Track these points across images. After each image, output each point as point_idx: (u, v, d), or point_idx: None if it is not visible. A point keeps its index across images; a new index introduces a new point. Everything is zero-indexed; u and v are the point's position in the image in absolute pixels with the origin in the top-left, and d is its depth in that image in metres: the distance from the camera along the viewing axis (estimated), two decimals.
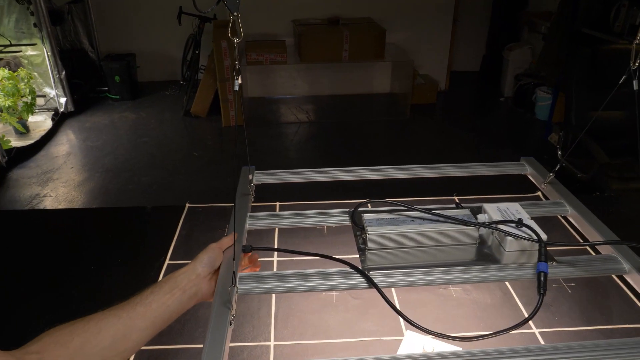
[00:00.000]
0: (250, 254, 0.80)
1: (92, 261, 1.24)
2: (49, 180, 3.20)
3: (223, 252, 0.74)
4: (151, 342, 0.94)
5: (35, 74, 4.06)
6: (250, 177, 0.95)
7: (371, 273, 0.72)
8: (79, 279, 1.18)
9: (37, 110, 3.98)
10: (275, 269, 1.16)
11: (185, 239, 1.28)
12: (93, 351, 0.58)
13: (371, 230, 0.76)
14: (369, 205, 0.92)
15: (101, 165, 3.41)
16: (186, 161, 3.52)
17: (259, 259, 0.84)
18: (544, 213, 0.89)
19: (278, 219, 0.90)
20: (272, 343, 0.96)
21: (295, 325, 1.01)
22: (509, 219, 0.78)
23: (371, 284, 0.70)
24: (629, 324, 1.00)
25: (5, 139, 3.49)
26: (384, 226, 0.77)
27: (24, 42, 4.00)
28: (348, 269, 0.73)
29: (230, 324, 0.64)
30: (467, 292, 1.10)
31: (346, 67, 4.66)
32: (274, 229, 1.30)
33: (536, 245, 0.73)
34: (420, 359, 0.69)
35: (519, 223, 0.76)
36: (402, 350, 0.93)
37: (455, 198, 1.42)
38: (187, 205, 1.43)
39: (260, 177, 0.99)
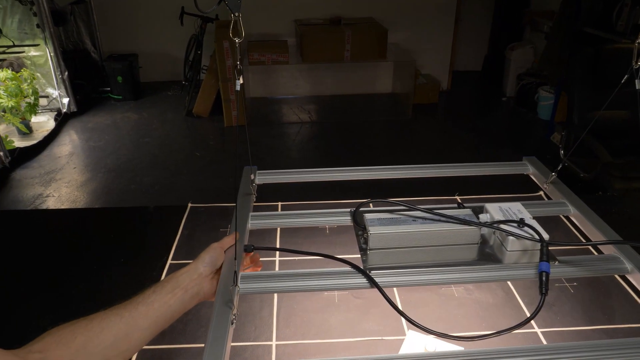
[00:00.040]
0: (252, 253, 0.80)
1: (94, 261, 1.25)
2: (51, 181, 3.21)
3: (225, 251, 0.75)
4: (153, 342, 0.94)
5: (38, 74, 4.08)
6: (252, 177, 0.96)
7: (373, 273, 0.72)
8: (80, 278, 1.19)
9: (40, 111, 3.99)
10: (277, 268, 1.16)
11: (188, 238, 1.29)
12: (95, 350, 0.58)
13: (373, 230, 0.76)
14: (370, 205, 0.92)
15: (104, 165, 3.42)
16: (188, 161, 3.53)
17: (261, 259, 0.84)
18: (546, 213, 0.89)
19: (280, 219, 0.90)
20: (274, 343, 0.97)
21: (297, 324, 1.01)
22: (510, 218, 0.78)
23: (373, 283, 0.70)
24: (631, 323, 1.00)
25: (8, 139, 3.50)
26: (386, 226, 0.77)
27: (27, 42, 4.01)
28: (350, 268, 0.73)
29: (232, 324, 0.64)
30: (469, 291, 1.10)
31: (348, 67, 4.66)
32: (276, 229, 1.30)
33: (538, 245, 0.73)
34: (422, 359, 0.69)
35: (521, 223, 0.76)
36: (403, 350, 0.93)
37: (457, 198, 1.42)
38: (190, 205, 1.43)
39: (262, 177, 0.99)
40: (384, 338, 0.97)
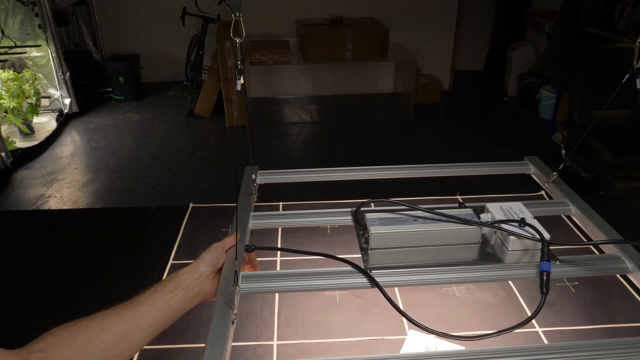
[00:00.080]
0: (252, 253, 0.80)
1: (95, 261, 1.25)
2: (53, 181, 3.22)
3: (226, 251, 0.75)
4: (155, 342, 0.94)
5: (40, 75, 4.09)
6: (254, 176, 0.96)
7: (373, 272, 0.72)
8: (81, 279, 1.19)
9: (41, 112, 4.00)
10: (278, 268, 1.16)
11: (189, 238, 1.29)
12: (96, 350, 0.58)
13: (373, 230, 0.76)
14: (371, 204, 0.92)
15: (105, 165, 3.43)
16: (190, 161, 3.53)
17: (262, 259, 0.84)
18: (548, 212, 0.89)
19: (281, 219, 0.90)
20: (275, 342, 0.97)
21: (298, 324, 1.01)
22: (512, 218, 0.78)
23: (373, 283, 0.70)
24: (632, 322, 1.00)
25: (10, 140, 3.51)
26: (387, 226, 0.77)
27: (29, 43, 4.02)
28: (351, 268, 0.73)
29: (233, 323, 0.64)
30: (470, 291, 1.10)
31: (349, 67, 4.66)
32: (277, 229, 1.30)
33: (539, 245, 0.73)
34: (423, 359, 0.69)
35: (522, 222, 0.76)
36: (405, 350, 0.93)
37: (459, 197, 1.42)
38: (191, 205, 1.43)
39: (263, 177, 0.99)
40: (385, 338, 0.97)
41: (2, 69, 3.71)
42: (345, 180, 1.00)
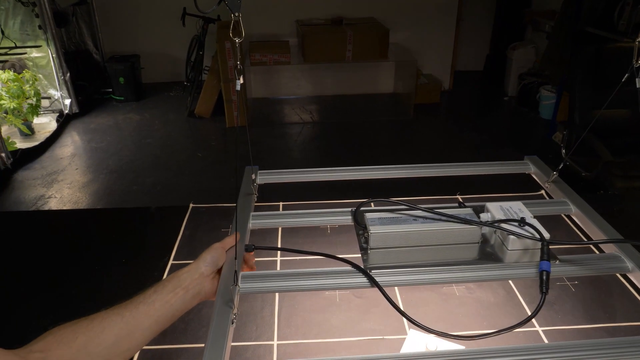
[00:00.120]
0: (252, 253, 0.80)
1: (96, 261, 1.25)
2: (54, 182, 3.22)
3: (226, 251, 0.75)
4: (155, 342, 0.94)
5: (40, 75, 4.09)
6: (254, 176, 0.96)
7: (373, 272, 0.72)
8: (82, 279, 1.19)
9: (42, 112, 4.00)
10: (278, 268, 1.16)
11: (189, 239, 1.29)
12: (96, 350, 0.58)
13: (373, 230, 0.76)
14: (371, 204, 0.92)
15: (106, 166, 3.43)
16: (190, 162, 3.53)
17: (263, 259, 0.84)
18: (548, 212, 0.89)
19: (281, 219, 0.90)
20: (275, 342, 0.97)
21: (298, 324, 1.01)
22: (511, 217, 0.78)
23: (373, 283, 0.70)
24: (632, 322, 1.00)
25: (10, 140, 3.51)
26: (386, 225, 0.77)
27: (29, 44, 4.02)
28: (351, 268, 0.73)
29: (232, 323, 0.64)
30: (470, 290, 1.10)
31: (350, 67, 4.66)
32: (277, 229, 1.30)
33: (539, 244, 0.73)
34: (423, 358, 0.69)
35: (522, 222, 0.76)
36: (405, 349, 0.93)
37: (458, 197, 1.42)
38: (191, 205, 1.43)
39: (263, 177, 0.99)
40: (385, 337, 0.97)
41: (2, 69, 3.72)
42: (345, 180, 1.00)
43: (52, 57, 4.04)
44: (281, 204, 1.41)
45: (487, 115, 4.55)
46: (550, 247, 0.72)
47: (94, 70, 4.70)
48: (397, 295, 1.08)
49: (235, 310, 0.65)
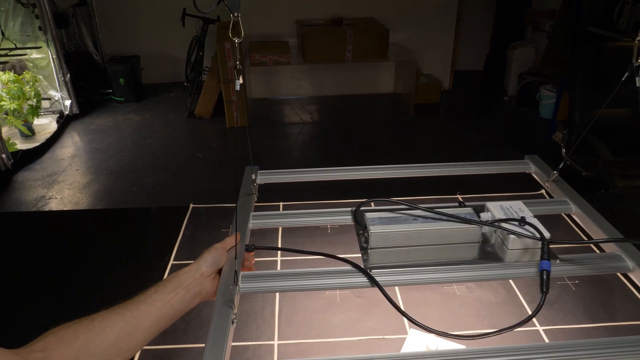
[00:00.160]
0: (253, 253, 0.80)
1: (96, 262, 1.25)
2: (54, 183, 3.22)
3: (227, 251, 0.75)
4: (155, 342, 0.94)
5: (41, 76, 4.09)
6: (254, 176, 0.96)
7: (374, 272, 0.72)
8: (82, 279, 1.19)
9: (42, 113, 4.00)
10: (278, 268, 1.16)
11: (190, 239, 1.29)
12: (97, 350, 0.58)
13: (373, 229, 0.76)
14: (371, 204, 0.92)
15: (106, 167, 3.43)
16: (190, 162, 3.53)
17: (263, 259, 0.84)
18: (548, 211, 0.89)
19: (281, 218, 0.90)
20: (276, 342, 0.97)
21: (299, 324, 1.01)
22: (512, 217, 0.78)
23: (374, 282, 0.70)
24: (633, 321, 1.00)
25: (11, 141, 3.51)
26: (386, 225, 0.77)
27: (29, 45, 4.03)
28: (351, 268, 0.73)
29: (233, 323, 0.64)
30: (470, 290, 1.10)
31: (350, 67, 4.66)
32: (277, 229, 1.30)
33: (539, 244, 0.73)
34: (424, 358, 0.69)
35: (522, 221, 0.76)
36: (405, 349, 0.93)
37: (459, 196, 1.42)
38: (191, 205, 1.43)
39: (264, 177, 0.99)
40: (385, 337, 0.97)
41: (2, 70, 3.72)
42: (345, 180, 1.00)
43: (52, 58, 4.04)
44: (281, 204, 1.41)
45: (487, 115, 4.55)
46: (550, 246, 0.72)
47: (94, 71, 4.70)
48: (398, 294, 1.08)
49: (235, 310, 0.65)
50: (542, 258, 0.71)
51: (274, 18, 4.57)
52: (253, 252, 0.80)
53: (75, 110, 4.27)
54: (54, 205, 2.96)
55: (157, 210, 1.47)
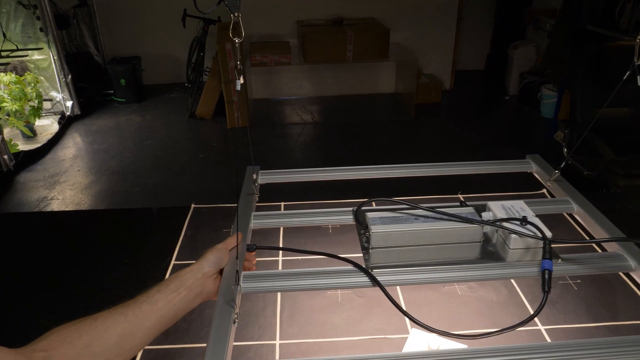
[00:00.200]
0: (254, 253, 0.80)
1: (98, 262, 1.25)
2: (56, 184, 3.23)
3: (229, 251, 0.75)
4: (157, 342, 0.95)
5: (42, 78, 4.10)
6: (255, 176, 0.96)
7: (375, 271, 0.72)
8: (84, 279, 1.19)
9: (43, 114, 4.01)
10: (280, 268, 1.17)
11: (191, 239, 1.29)
12: (99, 349, 0.58)
13: (375, 229, 0.76)
14: (372, 204, 0.92)
15: (107, 167, 3.44)
16: (191, 163, 3.54)
17: (264, 258, 0.84)
18: (550, 210, 0.89)
19: (282, 218, 0.90)
20: (277, 342, 0.97)
21: (300, 323, 1.01)
22: (513, 216, 0.78)
23: (375, 282, 0.70)
24: (635, 320, 1.00)
25: (12, 142, 3.52)
26: (388, 225, 0.77)
27: (31, 46, 4.03)
28: (352, 267, 0.73)
29: (234, 323, 0.64)
30: (472, 289, 1.10)
31: (350, 67, 4.66)
32: (279, 229, 1.30)
33: (541, 243, 0.73)
34: (425, 357, 0.69)
35: (524, 221, 0.76)
36: (407, 348, 0.93)
37: (460, 196, 1.42)
38: (193, 206, 1.44)
39: (265, 177, 0.99)
40: (387, 336, 0.97)
41: (4, 72, 3.72)
42: (346, 180, 1.00)
43: (54, 59, 4.05)
44: (282, 204, 1.41)
45: (489, 115, 4.55)
46: (552, 245, 0.72)
47: (95, 72, 4.71)
48: (399, 294, 1.08)
49: (237, 310, 0.65)
50: (543, 257, 0.71)
51: (275, 18, 4.57)
52: (254, 252, 0.80)
53: (77, 111, 4.28)
54: (55, 205, 2.97)
55: (159, 211, 1.47)
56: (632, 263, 0.74)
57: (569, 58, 3.59)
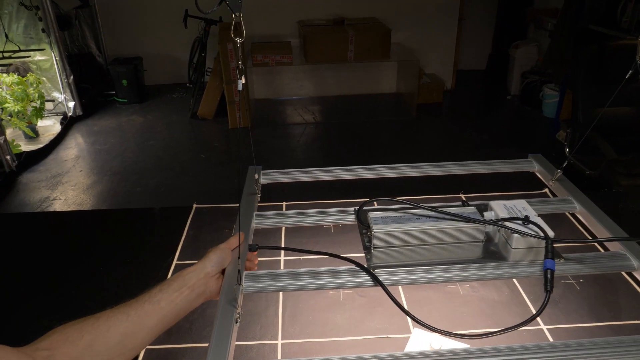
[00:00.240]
0: (256, 253, 0.80)
1: (100, 262, 1.26)
2: (58, 184, 3.24)
3: (232, 251, 0.75)
4: (160, 341, 0.95)
5: (44, 78, 4.11)
6: (257, 176, 0.96)
7: (377, 271, 0.72)
8: (86, 279, 1.19)
9: (46, 115, 4.02)
10: (282, 267, 1.17)
11: (193, 239, 1.29)
12: (102, 349, 0.58)
13: (377, 229, 0.76)
14: (374, 203, 0.92)
15: (109, 168, 3.44)
16: (193, 163, 3.54)
17: (266, 258, 0.84)
18: (552, 210, 0.89)
19: (284, 218, 0.90)
20: (279, 341, 0.97)
21: (302, 323, 1.01)
22: (515, 216, 0.77)
23: (377, 282, 0.70)
24: (637, 320, 0.99)
25: (15, 143, 3.53)
26: (390, 224, 0.77)
27: (33, 47, 4.04)
28: (354, 267, 0.73)
29: (236, 322, 0.64)
30: (474, 289, 1.09)
31: (352, 67, 4.66)
32: (281, 229, 1.30)
33: (543, 243, 0.73)
34: (427, 357, 0.69)
35: (526, 220, 0.76)
36: (409, 348, 0.93)
37: (462, 196, 1.42)
38: (195, 206, 1.44)
39: (267, 177, 0.99)
40: (389, 336, 0.97)
41: (6, 73, 3.74)
42: (347, 180, 1.00)
43: (56, 60, 4.06)
44: (284, 203, 1.41)
45: (490, 115, 4.54)
46: (554, 245, 0.72)
47: (97, 73, 4.72)
48: (401, 294, 1.08)
49: (239, 310, 0.65)
50: (546, 257, 0.71)
51: (276, 19, 4.57)
52: (256, 252, 0.80)
53: (79, 111, 4.29)
54: (58, 206, 2.97)
55: (161, 211, 1.48)
56: (634, 262, 0.74)
57: (571, 57, 3.58)
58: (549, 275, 0.69)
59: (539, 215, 0.78)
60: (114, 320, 0.60)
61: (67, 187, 3.20)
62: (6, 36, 3.96)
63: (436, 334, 0.84)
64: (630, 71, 0.82)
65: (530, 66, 4.49)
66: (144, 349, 0.94)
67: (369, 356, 0.61)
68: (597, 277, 1.11)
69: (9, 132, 3.77)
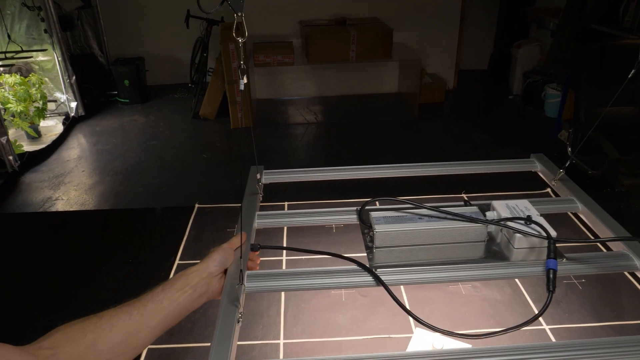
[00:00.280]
0: (258, 252, 0.80)
1: (102, 262, 1.26)
2: (60, 184, 3.24)
3: (234, 250, 0.75)
4: (162, 341, 0.95)
5: (46, 79, 4.12)
6: (259, 176, 0.96)
7: (379, 271, 0.72)
8: (88, 279, 1.20)
9: (48, 115, 4.03)
10: (284, 267, 1.17)
11: (195, 239, 1.29)
12: (104, 348, 0.58)
13: (379, 228, 0.76)
14: (376, 203, 0.92)
15: (111, 168, 3.45)
16: (195, 163, 3.55)
17: (268, 258, 0.84)
18: (554, 210, 0.89)
19: (286, 218, 0.90)
20: (281, 341, 0.97)
21: (304, 323, 1.01)
22: (518, 216, 0.77)
23: (379, 281, 0.70)
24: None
25: (17, 143, 3.54)
26: (392, 224, 0.77)
27: (35, 47, 4.05)
28: (356, 267, 0.73)
29: (238, 322, 0.64)
30: (476, 289, 1.09)
31: (354, 67, 4.66)
32: (283, 228, 1.30)
33: (545, 242, 0.73)
34: (429, 357, 0.69)
35: (528, 220, 0.76)
36: (411, 348, 0.93)
37: (464, 195, 1.42)
38: (197, 205, 1.44)
39: (268, 177, 0.99)
40: (391, 336, 0.97)
41: (9, 73, 3.75)
42: (350, 180, 1.00)
43: (58, 60, 4.07)
44: (286, 203, 1.41)
45: (492, 114, 4.54)
46: (557, 245, 0.72)
47: (99, 73, 4.73)
48: (403, 293, 1.07)
49: (241, 310, 0.65)
50: (548, 257, 0.71)
51: (278, 19, 4.58)
52: (258, 252, 0.80)
53: (81, 112, 4.30)
54: (60, 206, 2.98)
55: (163, 211, 1.48)
56: (637, 262, 0.74)
57: (573, 57, 3.57)
58: (551, 275, 0.69)
59: (542, 215, 0.78)
60: (117, 319, 0.60)
61: (70, 187, 3.21)
62: (9, 37, 3.98)
63: (438, 334, 0.84)
64: (633, 70, 0.82)
65: (532, 66, 4.48)
66: (146, 349, 0.94)
67: (370, 356, 0.61)
68: (600, 277, 1.10)
69: (11, 133, 3.77)
